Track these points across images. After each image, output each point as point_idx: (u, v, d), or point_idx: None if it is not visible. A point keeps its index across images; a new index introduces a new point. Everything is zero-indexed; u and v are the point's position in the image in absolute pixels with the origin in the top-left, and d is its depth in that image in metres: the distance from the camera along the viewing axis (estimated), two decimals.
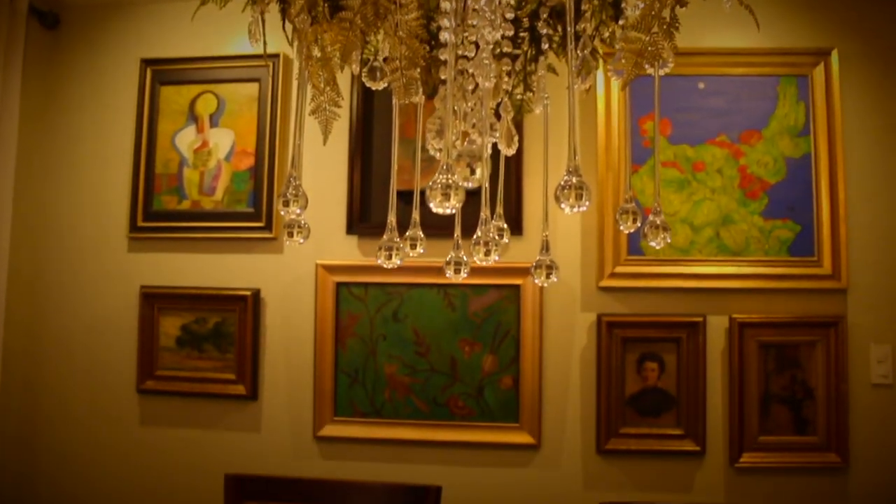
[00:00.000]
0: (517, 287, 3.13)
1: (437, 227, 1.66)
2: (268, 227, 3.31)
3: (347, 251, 3.27)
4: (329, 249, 3.28)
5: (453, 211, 1.12)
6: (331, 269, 3.24)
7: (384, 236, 1.37)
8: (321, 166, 3.28)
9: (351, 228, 3.26)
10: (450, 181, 1.07)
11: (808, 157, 3.11)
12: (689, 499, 3.04)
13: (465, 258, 1.46)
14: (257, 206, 3.32)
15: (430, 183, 1.11)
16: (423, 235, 1.51)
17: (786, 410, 3.07)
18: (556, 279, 1.34)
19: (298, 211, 1.30)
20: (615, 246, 3.11)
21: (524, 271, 3.12)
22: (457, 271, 1.42)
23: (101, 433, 3.40)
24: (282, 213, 1.31)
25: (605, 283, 3.12)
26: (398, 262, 1.35)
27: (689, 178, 3.13)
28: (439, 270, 3.13)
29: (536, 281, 1.33)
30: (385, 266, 1.36)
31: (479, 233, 1.31)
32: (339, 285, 3.23)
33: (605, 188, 3.13)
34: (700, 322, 3.07)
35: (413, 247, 1.49)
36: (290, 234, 1.40)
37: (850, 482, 3.03)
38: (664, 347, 3.10)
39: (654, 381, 3.10)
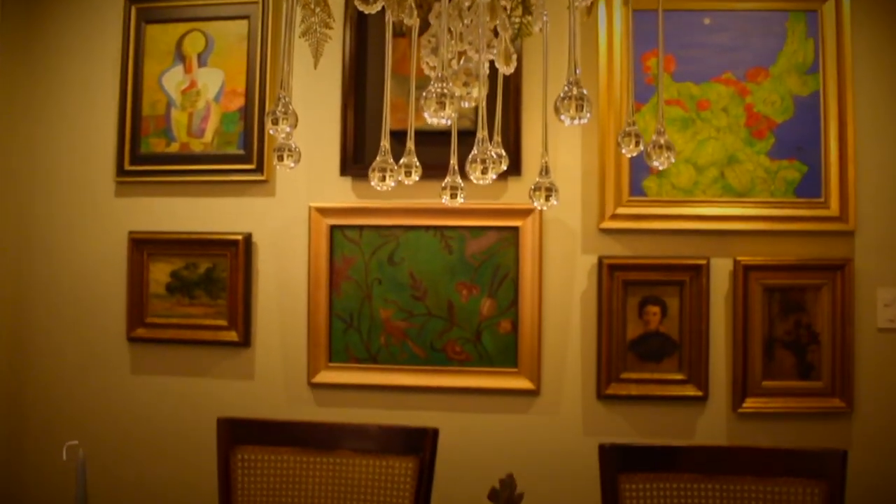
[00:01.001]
0: (516, 229, 3.12)
1: (432, 168, 1.62)
2: (259, 170, 3.28)
3: (341, 193, 3.25)
4: (322, 191, 3.26)
5: (448, 122, 1.10)
6: (324, 212, 3.23)
7: (377, 157, 1.35)
8: (314, 105, 3.25)
9: (345, 170, 3.24)
10: (445, 90, 1.05)
11: (817, 95, 3.08)
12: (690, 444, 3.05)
13: (461, 183, 1.45)
14: (248, 148, 3.30)
15: (425, 93, 1.09)
16: (418, 163, 1.50)
17: (790, 355, 3.08)
18: (556, 202, 1.33)
19: (288, 129, 1.29)
20: (616, 187, 3.10)
21: (523, 213, 3.11)
22: (453, 196, 1.41)
23: (92, 382, 3.41)
24: (271, 131, 1.29)
25: (606, 224, 3.11)
26: (392, 184, 1.34)
27: (694, 116, 3.10)
28: (435, 212, 3.15)
29: (535, 204, 1.32)
30: (378, 188, 1.34)
31: (475, 151, 1.29)
32: (332, 228, 3.22)
33: (607, 127, 3.10)
34: (703, 265, 3.07)
35: (408, 174, 1.47)
36: (280, 158, 1.38)
37: (853, 427, 3.05)
38: (666, 291, 3.10)
39: (655, 326, 3.10)
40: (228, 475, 2.39)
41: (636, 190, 3.11)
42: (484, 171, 1.27)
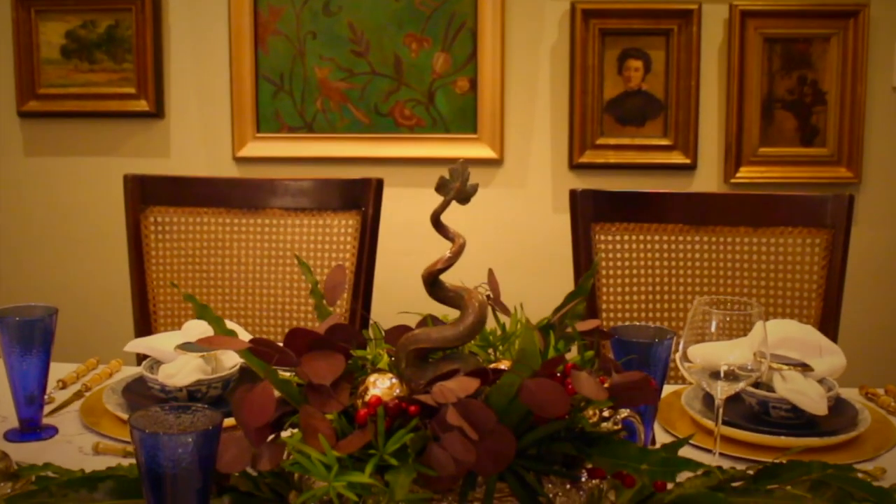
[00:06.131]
0: None
1: None
2: None
3: None
4: None
5: None
6: None
7: None
8: None
9: None
10: None
11: None
12: None
13: None
14: None
15: None
16: None
17: (792, 117, 3.06)
18: None
19: None
20: None
21: None
22: None
23: None
24: None
25: None
26: None
27: None
28: None
29: None
30: None
31: None
32: None
33: None
34: (694, 10, 3.00)
35: None
36: None
37: (860, 200, 3.04)
38: (650, 42, 3.04)
39: (637, 83, 3.06)
40: (139, 241, 2.33)
41: None
42: None
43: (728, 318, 1.44)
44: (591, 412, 1.27)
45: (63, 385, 1.86)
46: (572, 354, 1.37)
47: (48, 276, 3.32)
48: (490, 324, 1.39)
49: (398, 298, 2.87)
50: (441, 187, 1.32)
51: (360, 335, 1.38)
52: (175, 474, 1.07)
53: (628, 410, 1.31)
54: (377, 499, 1.11)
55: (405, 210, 2.99)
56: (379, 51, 3.09)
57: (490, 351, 1.42)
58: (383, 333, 1.40)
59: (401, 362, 1.28)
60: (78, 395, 1.80)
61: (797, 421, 1.64)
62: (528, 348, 1.15)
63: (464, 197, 1.32)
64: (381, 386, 1.24)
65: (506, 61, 3.07)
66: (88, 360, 1.98)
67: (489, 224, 3.11)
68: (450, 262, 1.32)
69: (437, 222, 1.34)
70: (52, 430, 1.64)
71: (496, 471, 1.14)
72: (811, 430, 1.62)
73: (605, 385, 1.23)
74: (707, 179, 3.07)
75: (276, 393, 1.24)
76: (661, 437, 1.64)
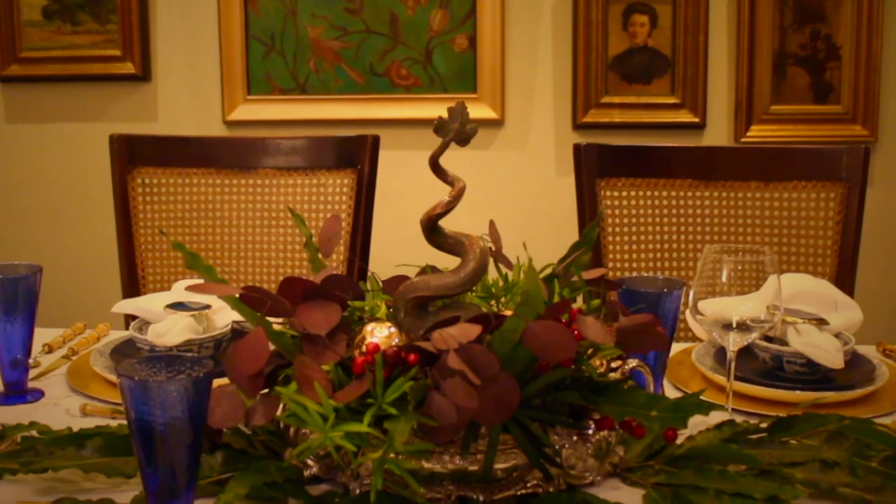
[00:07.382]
0: None
1: None
2: None
3: None
4: None
5: None
6: None
7: None
8: None
9: None
10: None
11: None
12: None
13: None
14: None
15: None
16: None
17: (805, 74, 3.05)
18: None
19: None
20: None
21: None
22: None
23: None
24: None
25: None
26: None
27: None
28: None
29: None
30: None
31: None
32: None
33: None
34: None
35: None
36: None
37: (876, 160, 3.03)
38: None
39: (643, 39, 3.05)
40: (126, 203, 2.31)
41: None
42: None
43: (740, 267, 1.43)
44: (598, 362, 1.26)
45: (49, 349, 1.85)
46: (578, 305, 1.36)
47: (33, 243, 3.32)
48: (492, 275, 1.38)
49: (395, 262, 2.88)
50: (440, 128, 1.30)
51: (357, 286, 1.37)
52: (165, 426, 1.06)
53: (636, 360, 1.31)
54: (376, 450, 1.10)
55: (402, 173, 2.98)
56: (373, 8, 3.08)
57: (492, 303, 1.40)
58: (381, 285, 1.39)
59: (399, 312, 1.27)
60: (65, 359, 1.79)
61: (812, 376, 1.63)
62: (532, 290, 1.14)
63: (463, 138, 1.30)
64: (379, 335, 1.23)
65: (506, 17, 3.06)
66: (75, 324, 1.97)
67: (490, 188, 3.10)
68: (449, 206, 1.31)
69: (435, 165, 1.32)
70: (39, 394, 1.63)
71: (499, 420, 1.13)
72: (827, 385, 1.61)
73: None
74: (716, 139, 3.07)
75: (270, 346, 1.23)
76: (672, 395, 1.63)
